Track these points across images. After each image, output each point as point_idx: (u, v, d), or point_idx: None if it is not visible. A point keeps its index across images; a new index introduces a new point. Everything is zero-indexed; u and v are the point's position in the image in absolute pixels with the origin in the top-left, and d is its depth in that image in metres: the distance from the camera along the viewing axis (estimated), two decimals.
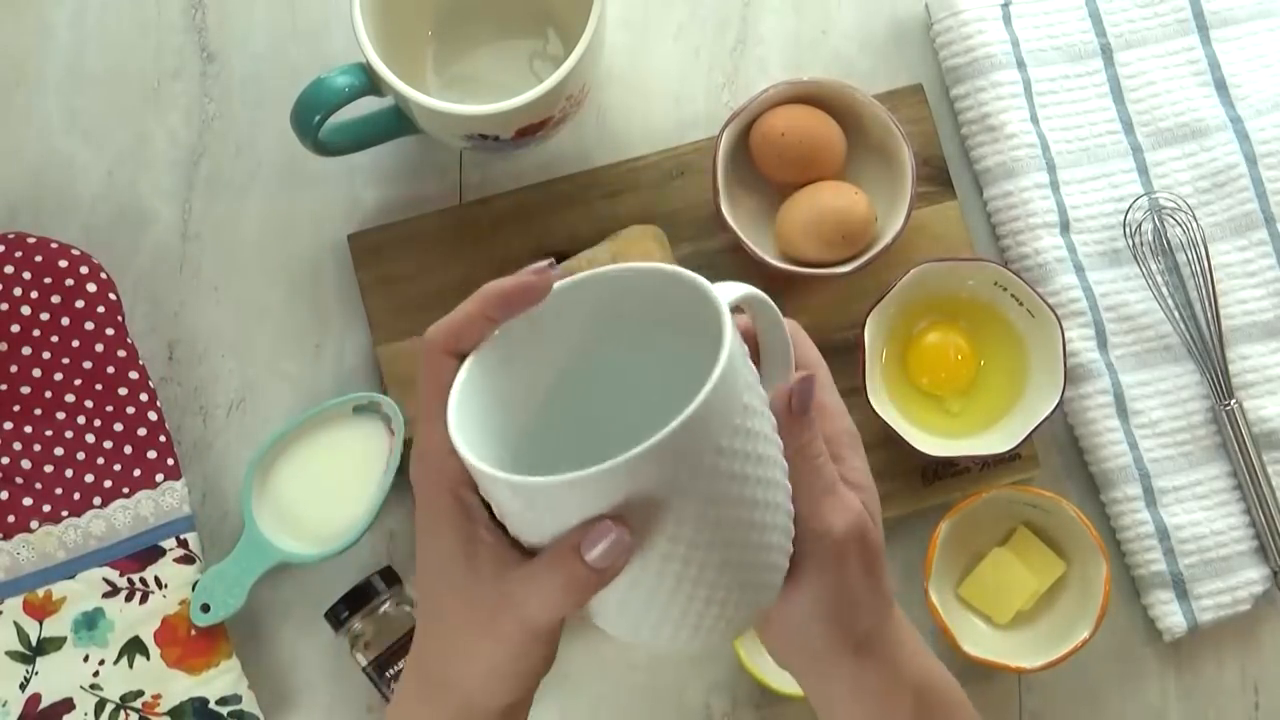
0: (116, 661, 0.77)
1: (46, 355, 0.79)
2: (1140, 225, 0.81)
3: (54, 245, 0.80)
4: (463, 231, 0.81)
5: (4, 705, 0.76)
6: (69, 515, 0.78)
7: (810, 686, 0.55)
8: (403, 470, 0.80)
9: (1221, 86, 0.83)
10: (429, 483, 0.49)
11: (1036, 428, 0.76)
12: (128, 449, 0.79)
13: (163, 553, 0.78)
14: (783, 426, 0.49)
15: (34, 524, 0.78)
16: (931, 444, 0.78)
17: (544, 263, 0.50)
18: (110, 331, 0.79)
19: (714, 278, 0.51)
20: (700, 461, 0.45)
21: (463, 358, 0.49)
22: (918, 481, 0.81)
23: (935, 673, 0.55)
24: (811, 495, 0.50)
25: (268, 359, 0.82)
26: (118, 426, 0.79)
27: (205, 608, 0.78)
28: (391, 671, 0.77)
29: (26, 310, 0.79)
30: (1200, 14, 0.84)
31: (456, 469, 0.48)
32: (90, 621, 0.77)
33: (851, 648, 0.52)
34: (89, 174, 0.84)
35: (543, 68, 0.81)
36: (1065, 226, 0.82)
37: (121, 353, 0.79)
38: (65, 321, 0.79)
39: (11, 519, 0.78)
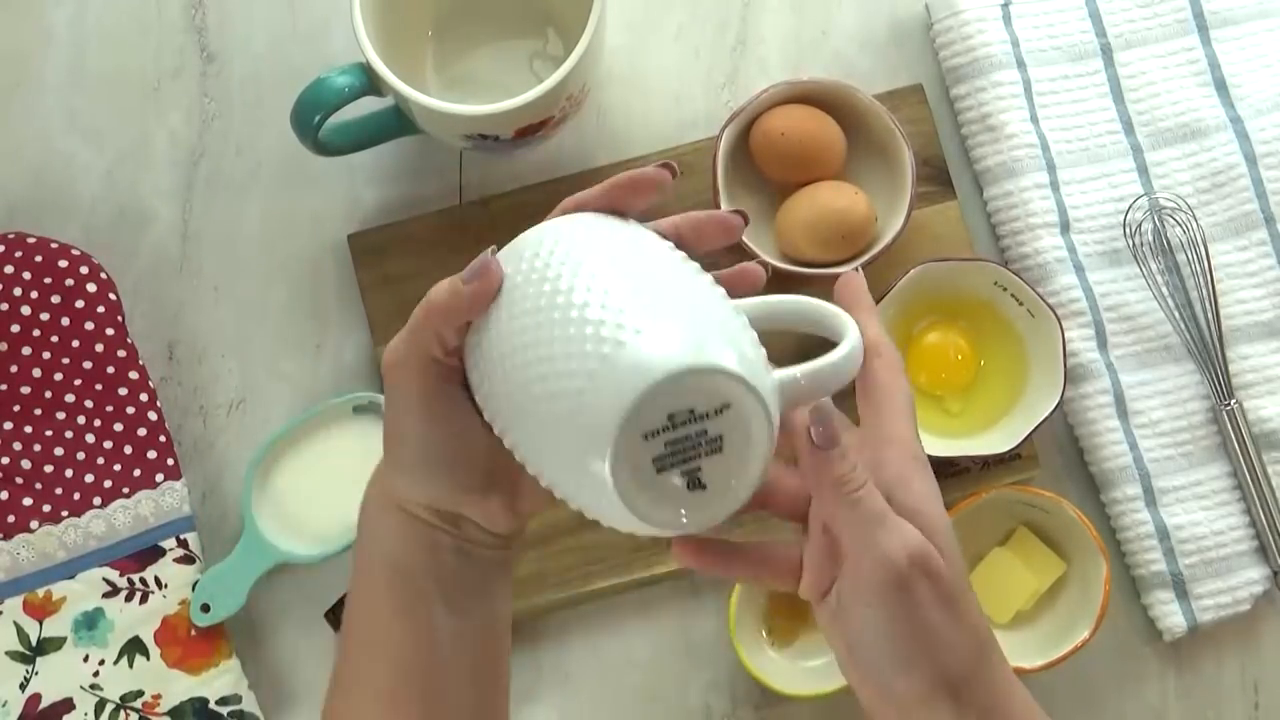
0: (116, 661, 0.77)
1: (46, 355, 0.79)
2: (1140, 225, 0.81)
3: (54, 245, 0.80)
4: (463, 231, 0.81)
5: (4, 705, 0.76)
6: (69, 515, 0.78)
7: None
8: None
9: (1221, 86, 0.83)
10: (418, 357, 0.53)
11: (1036, 428, 0.76)
12: (128, 449, 0.79)
13: (163, 553, 0.78)
14: (810, 463, 0.49)
15: (34, 524, 0.78)
16: (931, 444, 0.78)
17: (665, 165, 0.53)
18: (110, 331, 0.79)
19: (714, 278, 0.52)
20: None
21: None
22: None
23: None
24: (858, 529, 0.48)
25: (268, 359, 0.82)
26: (118, 426, 0.79)
27: (205, 608, 0.78)
28: None
29: (26, 310, 0.79)
30: (1200, 14, 0.84)
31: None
32: (90, 621, 0.77)
33: (947, 694, 0.49)
34: (89, 174, 0.84)
35: (543, 68, 0.81)
36: (1065, 226, 0.82)
37: (121, 353, 0.79)
38: (65, 321, 0.79)
39: (11, 519, 0.78)
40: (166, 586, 0.78)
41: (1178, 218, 0.80)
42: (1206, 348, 0.80)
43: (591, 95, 0.81)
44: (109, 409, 0.79)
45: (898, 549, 0.47)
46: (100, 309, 0.79)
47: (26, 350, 0.79)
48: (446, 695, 0.55)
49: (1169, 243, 0.81)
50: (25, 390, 0.79)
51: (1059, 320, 0.77)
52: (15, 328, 0.79)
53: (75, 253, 0.80)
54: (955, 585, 0.49)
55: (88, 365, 0.79)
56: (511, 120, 0.74)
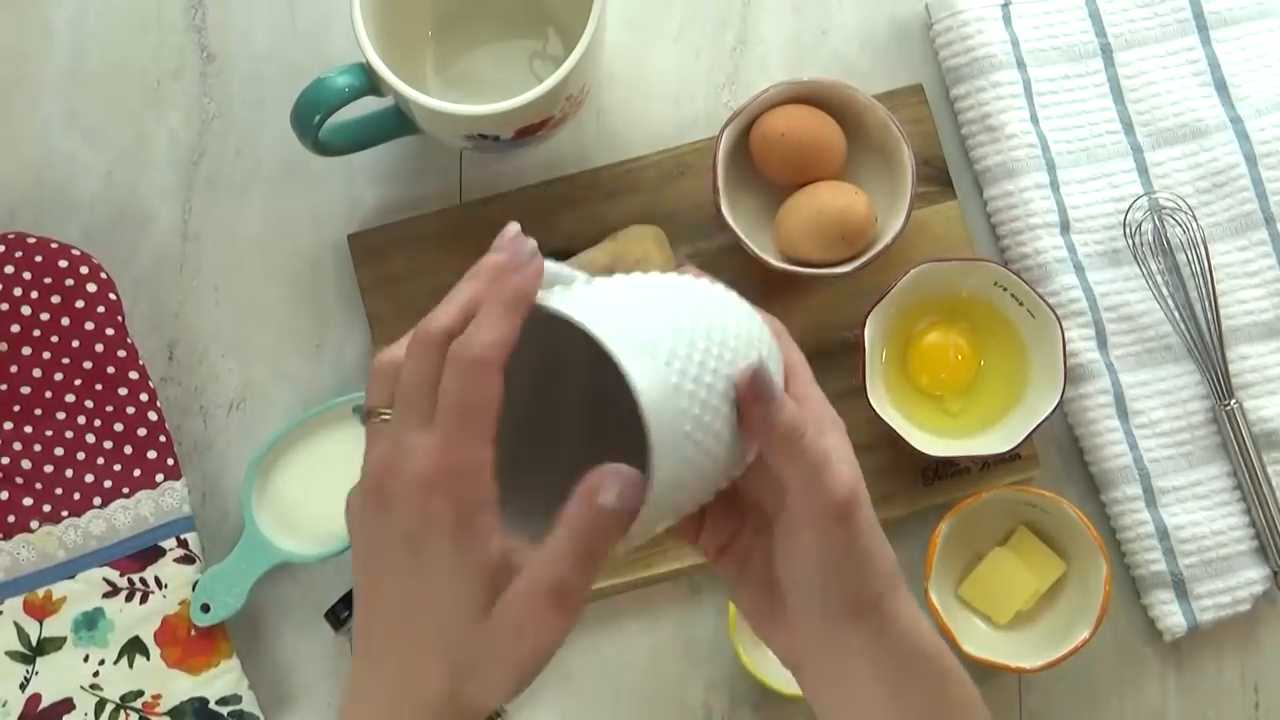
0: (116, 661, 0.77)
1: (46, 355, 0.79)
2: (1140, 225, 0.81)
3: (54, 245, 0.80)
4: (463, 231, 0.81)
5: (4, 705, 0.76)
6: (69, 515, 0.78)
7: (820, 665, 0.56)
8: None
9: (1221, 86, 0.83)
10: (451, 495, 0.49)
11: (1036, 428, 0.76)
12: (128, 449, 0.79)
13: (163, 553, 0.78)
14: (757, 416, 0.52)
15: (34, 524, 0.78)
16: (931, 444, 0.78)
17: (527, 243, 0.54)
18: (110, 331, 0.79)
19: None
20: None
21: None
22: (918, 481, 0.81)
23: (950, 657, 0.57)
24: (803, 470, 0.53)
25: (268, 359, 0.82)
26: (118, 426, 0.79)
27: (205, 608, 0.78)
28: None
29: (26, 310, 0.79)
30: (1200, 14, 0.84)
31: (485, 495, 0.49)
32: (90, 621, 0.77)
33: (870, 606, 0.55)
34: (89, 174, 0.84)
35: (543, 68, 0.81)
36: (1065, 226, 0.82)
37: (121, 353, 0.79)
38: (65, 321, 0.79)
39: (11, 519, 0.78)
40: (166, 586, 0.78)
41: (1178, 218, 0.80)
42: (1206, 348, 0.80)
43: (591, 95, 0.81)
44: (109, 409, 0.79)
45: (841, 485, 0.53)
46: (100, 309, 0.79)
47: (26, 350, 0.79)
48: None
49: (1169, 243, 0.81)
50: (25, 390, 0.79)
51: (1059, 320, 0.77)
52: (15, 328, 0.79)
53: (75, 253, 0.80)
54: (875, 520, 0.55)
55: (88, 365, 0.79)
56: (511, 120, 0.74)
